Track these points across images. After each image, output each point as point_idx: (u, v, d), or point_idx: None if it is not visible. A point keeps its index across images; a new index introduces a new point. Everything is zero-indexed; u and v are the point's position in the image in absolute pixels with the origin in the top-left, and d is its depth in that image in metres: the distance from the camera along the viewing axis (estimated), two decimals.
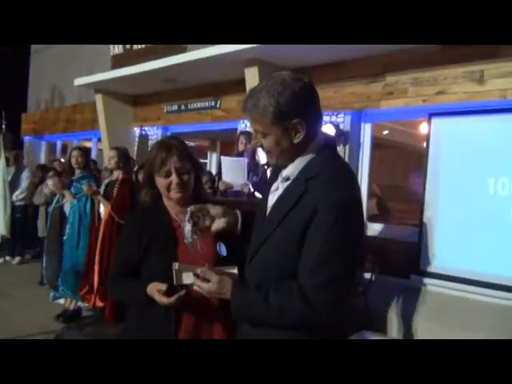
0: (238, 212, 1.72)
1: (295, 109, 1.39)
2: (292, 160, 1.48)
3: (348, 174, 1.49)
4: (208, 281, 1.48)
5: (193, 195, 1.97)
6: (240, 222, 1.70)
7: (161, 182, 1.91)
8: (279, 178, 1.54)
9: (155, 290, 1.75)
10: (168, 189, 1.90)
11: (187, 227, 1.66)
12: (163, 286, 1.72)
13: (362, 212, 1.44)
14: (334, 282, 1.34)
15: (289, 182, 1.49)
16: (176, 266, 1.59)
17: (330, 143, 1.53)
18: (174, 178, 1.87)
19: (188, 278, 1.56)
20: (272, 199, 1.55)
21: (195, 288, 1.53)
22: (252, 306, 1.41)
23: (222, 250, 1.85)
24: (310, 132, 1.44)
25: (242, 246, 1.72)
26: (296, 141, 1.43)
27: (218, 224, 1.66)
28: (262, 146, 1.50)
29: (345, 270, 1.35)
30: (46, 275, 4.91)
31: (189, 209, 1.67)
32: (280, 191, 1.52)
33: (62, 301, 4.94)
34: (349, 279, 1.38)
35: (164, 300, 1.72)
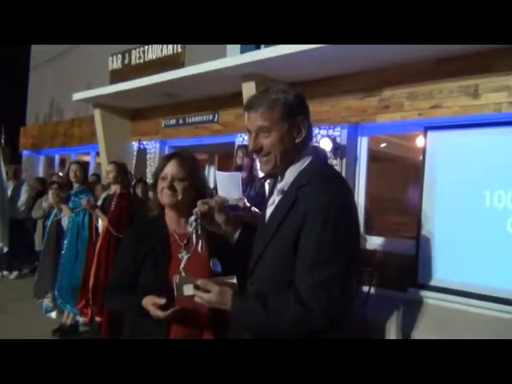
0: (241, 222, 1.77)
1: (300, 107, 1.50)
2: (288, 165, 1.52)
3: (337, 180, 1.53)
4: (209, 291, 1.49)
5: (192, 207, 1.99)
6: (239, 232, 1.73)
7: (158, 185, 1.99)
8: (275, 192, 1.57)
9: (150, 303, 1.77)
10: (161, 193, 1.98)
11: (192, 226, 1.68)
12: (160, 301, 1.74)
13: (352, 215, 1.45)
14: (327, 282, 1.35)
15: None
16: (177, 278, 1.60)
17: (319, 154, 1.59)
18: (167, 181, 1.95)
19: (188, 290, 1.57)
20: (269, 213, 1.58)
21: (196, 299, 1.54)
22: (251, 314, 1.43)
23: (216, 266, 1.87)
24: (308, 135, 1.52)
25: (236, 259, 1.74)
26: (298, 140, 1.50)
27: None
28: (261, 149, 1.51)
29: (338, 270, 1.36)
30: (36, 288, 4.88)
31: (195, 210, 1.69)
32: (276, 204, 1.55)
33: (53, 314, 4.91)
34: (343, 280, 1.37)
35: (159, 313, 1.74)
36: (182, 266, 1.76)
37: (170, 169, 1.97)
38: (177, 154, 2.05)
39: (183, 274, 1.68)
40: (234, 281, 1.55)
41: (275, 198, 1.56)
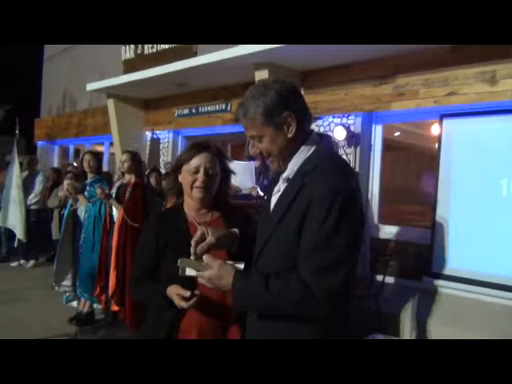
0: (238, 233, 1.78)
1: (281, 104, 1.47)
2: (291, 159, 1.53)
3: (343, 167, 1.52)
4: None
5: (214, 199, 1.99)
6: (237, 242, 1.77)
7: (186, 178, 1.93)
8: (280, 180, 1.58)
9: (175, 293, 1.76)
10: (191, 186, 1.92)
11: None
12: (185, 293, 1.74)
13: (356, 201, 1.44)
14: (328, 268, 1.36)
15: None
16: (179, 261, 1.59)
17: (325, 141, 1.57)
18: (200, 175, 1.90)
19: (191, 271, 1.57)
20: (274, 201, 1.59)
21: (200, 281, 1.54)
22: (253, 292, 1.42)
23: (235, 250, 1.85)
24: (301, 126, 1.50)
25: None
26: (290, 135, 1.49)
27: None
28: (261, 153, 1.55)
29: (339, 256, 1.36)
30: (55, 278, 4.94)
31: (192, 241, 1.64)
32: (281, 192, 1.56)
33: (75, 303, 4.98)
34: (344, 266, 1.37)
35: (183, 304, 1.74)
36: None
37: (203, 162, 1.90)
38: (209, 146, 1.97)
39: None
40: (242, 266, 1.54)
41: (280, 186, 1.57)
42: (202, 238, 1.63)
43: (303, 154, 1.51)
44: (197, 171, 1.90)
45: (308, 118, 1.55)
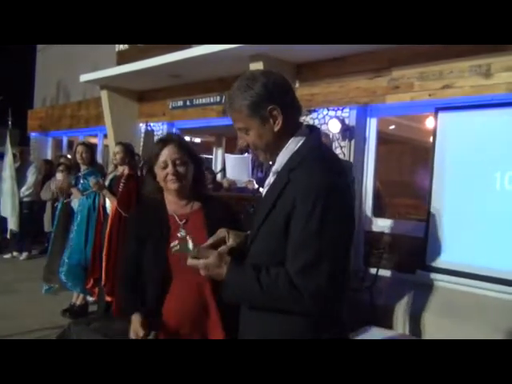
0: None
1: (267, 96, 1.45)
2: (278, 152, 1.52)
3: (329, 162, 1.49)
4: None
5: (191, 188, 2.03)
6: None
7: (159, 173, 1.98)
8: (270, 174, 1.58)
9: (133, 331, 1.83)
10: (165, 180, 1.97)
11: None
12: (140, 333, 1.79)
13: (344, 196, 1.43)
14: (315, 266, 1.33)
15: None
16: (176, 245, 1.60)
17: (313, 134, 1.55)
18: (169, 168, 1.95)
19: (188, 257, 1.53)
20: (264, 193, 1.59)
21: (190, 263, 1.50)
22: (245, 284, 1.42)
23: None
24: (288, 119, 1.48)
25: None
26: (276, 128, 1.47)
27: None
28: (249, 146, 1.55)
29: (323, 254, 1.34)
30: (45, 272, 4.89)
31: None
32: (270, 185, 1.55)
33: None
34: (332, 264, 1.35)
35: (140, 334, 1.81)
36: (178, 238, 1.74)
37: (169, 154, 1.96)
38: (170, 138, 2.04)
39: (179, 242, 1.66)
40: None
41: (271, 179, 1.56)
42: (223, 241, 1.62)
43: (291, 146, 1.50)
44: (166, 165, 1.95)
45: (297, 112, 1.54)
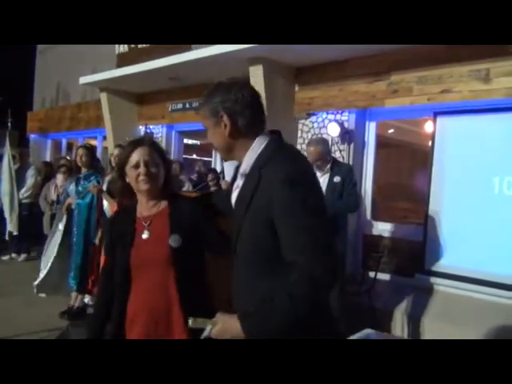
0: None
1: (220, 105, 1.61)
2: (231, 153, 1.66)
3: (295, 156, 1.62)
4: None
5: (162, 189, 2.06)
6: None
7: (130, 174, 2.00)
8: (238, 177, 1.67)
9: None
10: (137, 180, 1.98)
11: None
12: None
13: (315, 181, 1.58)
14: (316, 244, 1.41)
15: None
16: (190, 321, 1.59)
17: (275, 136, 1.66)
18: (141, 168, 1.97)
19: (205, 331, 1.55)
20: (234, 197, 1.68)
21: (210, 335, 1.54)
22: (261, 323, 1.44)
23: (175, 240, 1.92)
24: (240, 126, 1.60)
25: (198, 234, 1.96)
26: (226, 133, 1.61)
27: None
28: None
29: (319, 230, 1.43)
30: (42, 283, 4.75)
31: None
32: (240, 187, 1.64)
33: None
34: (326, 239, 1.44)
35: None
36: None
37: (141, 156, 1.97)
38: (140, 141, 2.06)
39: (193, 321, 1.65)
40: (208, 327, 1.53)
41: (239, 182, 1.66)
42: None
43: (256, 148, 1.61)
44: (137, 165, 1.97)
45: (255, 116, 1.62)
